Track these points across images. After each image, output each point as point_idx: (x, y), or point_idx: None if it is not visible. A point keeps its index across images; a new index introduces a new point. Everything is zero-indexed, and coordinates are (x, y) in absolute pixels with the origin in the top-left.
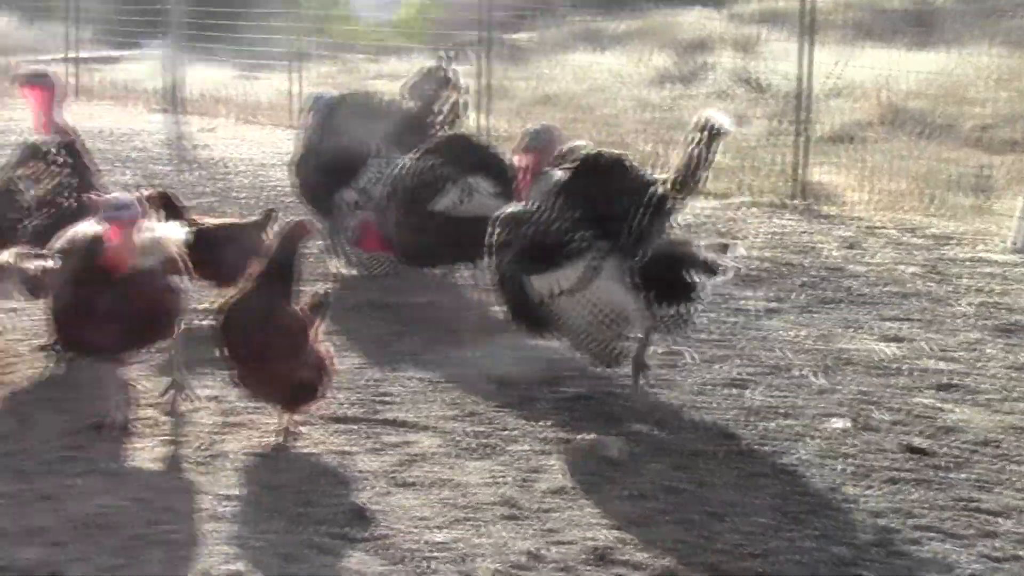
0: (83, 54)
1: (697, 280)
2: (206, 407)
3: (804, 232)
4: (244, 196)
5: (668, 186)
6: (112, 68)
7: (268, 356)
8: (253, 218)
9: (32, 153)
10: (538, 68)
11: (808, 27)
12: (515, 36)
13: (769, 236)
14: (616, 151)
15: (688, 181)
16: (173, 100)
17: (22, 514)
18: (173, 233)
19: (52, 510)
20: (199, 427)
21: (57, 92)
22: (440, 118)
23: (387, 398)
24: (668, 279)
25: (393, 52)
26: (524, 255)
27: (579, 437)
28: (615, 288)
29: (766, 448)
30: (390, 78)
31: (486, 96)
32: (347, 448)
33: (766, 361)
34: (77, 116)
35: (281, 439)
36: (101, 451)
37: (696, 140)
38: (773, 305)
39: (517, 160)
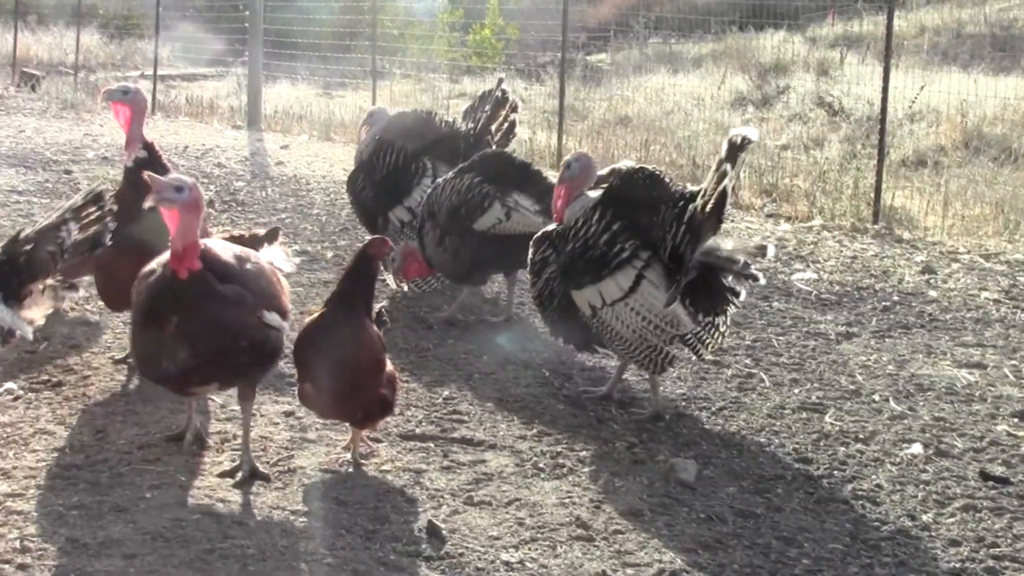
0: (165, 71)
1: (737, 287)
2: (279, 423)
3: (881, 256)
4: (317, 212)
5: (700, 201)
6: (193, 85)
7: (352, 375)
8: (257, 232)
9: (94, 199)
10: (614, 89)
11: (888, 51)
12: (592, 57)
13: (845, 260)
14: (652, 166)
15: (715, 196)
16: (252, 117)
17: (96, 526)
18: (280, 262)
19: (126, 522)
20: (272, 443)
21: (143, 109)
22: (495, 138)
23: (459, 416)
24: (709, 285)
25: (469, 72)
26: (569, 270)
27: (653, 459)
28: (661, 294)
29: (840, 473)
30: (467, 97)
31: (560, 116)
32: (419, 466)
33: (841, 386)
34: (159, 132)
35: (353, 455)
36: (175, 464)
37: (722, 166)
38: (848, 329)
39: (555, 189)
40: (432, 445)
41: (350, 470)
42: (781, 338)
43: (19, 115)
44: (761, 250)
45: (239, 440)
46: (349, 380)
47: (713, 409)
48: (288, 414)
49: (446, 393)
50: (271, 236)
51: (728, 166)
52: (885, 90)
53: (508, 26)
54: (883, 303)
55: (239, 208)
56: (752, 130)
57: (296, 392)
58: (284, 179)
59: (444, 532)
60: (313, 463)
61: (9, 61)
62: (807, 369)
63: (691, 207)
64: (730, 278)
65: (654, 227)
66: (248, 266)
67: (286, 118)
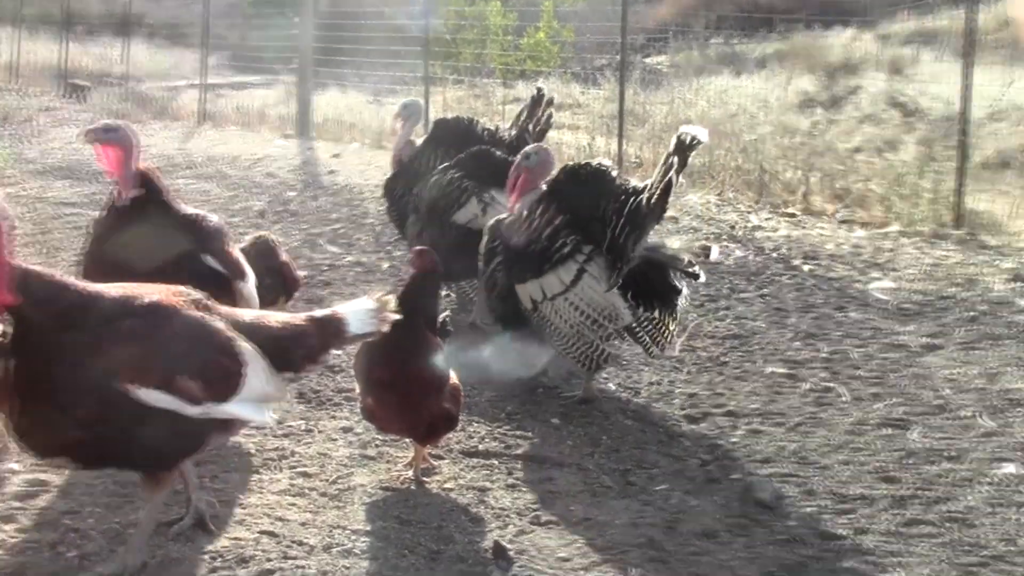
0: (213, 80)
1: (679, 284)
2: (338, 439)
3: (964, 263)
4: (372, 221)
5: (644, 194)
6: (242, 94)
7: (417, 389)
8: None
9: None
10: (675, 92)
11: (968, 47)
12: (651, 60)
13: (926, 267)
14: (599, 160)
15: (660, 190)
16: (302, 125)
17: (154, 544)
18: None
19: (184, 541)
20: (331, 460)
21: (132, 146)
22: (533, 137)
23: (524, 432)
24: (652, 282)
25: (523, 76)
26: (513, 263)
27: (728, 477)
28: (602, 288)
29: (929, 494)
30: (521, 102)
31: (620, 121)
32: (484, 484)
33: (926, 400)
34: (208, 142)
35: (416, 473)
36: (233, 483)
37: (669, 159)
38: (932, 341)
39: (510, 178)
40: (496, 462)
41: (412, 488)
42: (859, 350)
43: (68, 126)
44: (705, 251)
45: (297, 457)
46: (413, 394)
47: (789, 425)
48: (347, 430)
49: (509, 408)
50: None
51: (675, 160)
52: (967, 87)
53: (563, 29)
54: (969, 313)
55: (291, 218)
56: (701, 130)
57: (357, 407)
58: (336, 188)
59: (511, 553)
60: (374, 480)
61: (58, 72)
62: (888, 383)
63: (633, 201)
64: (676, 275)
65: (596, 220)
66: (133, 320)
67: (337, 126)
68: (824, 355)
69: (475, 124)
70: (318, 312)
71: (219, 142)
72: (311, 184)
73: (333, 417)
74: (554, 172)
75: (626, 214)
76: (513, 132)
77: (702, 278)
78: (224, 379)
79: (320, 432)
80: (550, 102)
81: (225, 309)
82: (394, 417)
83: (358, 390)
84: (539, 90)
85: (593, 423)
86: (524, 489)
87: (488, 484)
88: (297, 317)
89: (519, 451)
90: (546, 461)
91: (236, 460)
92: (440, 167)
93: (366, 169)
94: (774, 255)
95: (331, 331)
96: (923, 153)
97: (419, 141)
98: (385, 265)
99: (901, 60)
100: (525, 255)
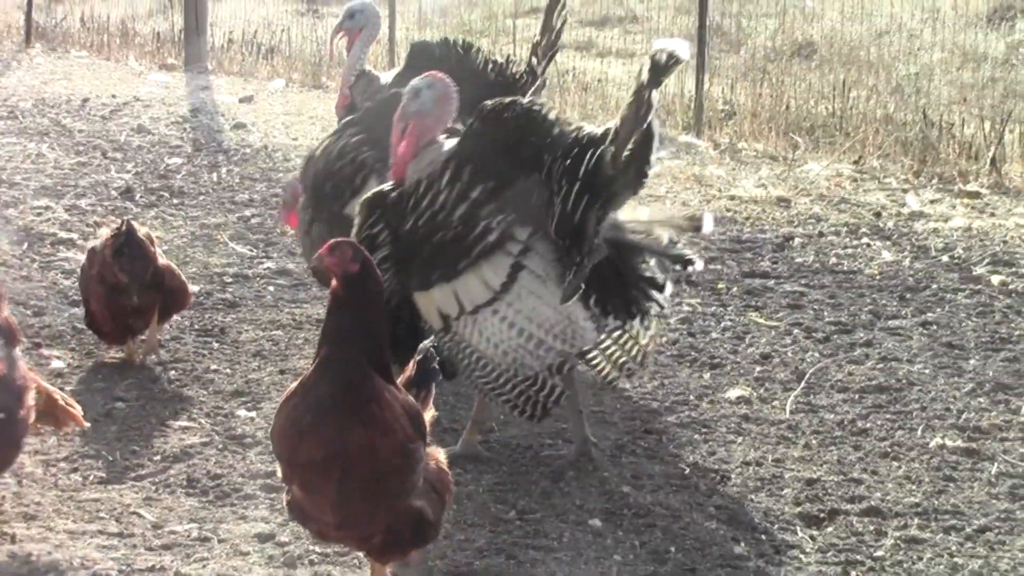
0: None
1: (659, 277)
2: (250, 552)
3: None
4: None
5: (608, 144)
6: None
7: (367, 473)
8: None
9: None
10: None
11: None
12: None
13: None
14: (529, 99)
15: (634, 137)
16: (192, 50)
17: None
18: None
19: None
20: None
21: None
22: (542, 63)
23: (547, 542)
24: (620, 273)
25: None
26: (407, 259)
27: None
28: (551, 292)
29: None
30: (540, 14)
31: (700, 45)
32: None
33: None
34: (40, 76)
35: None
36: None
37: (642, 92)
38: None
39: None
40: None
41: None
42: None
43: None
44: (694, 222)
45: None
46: (355, 484)
47: (969, 530)
48: (266, 538)
49: (521, 503)
50: None
51: (651, 93)
52: None
53: None
54: None
55: (176, 200)
56: (681, 43)
57: (280, 500)
58: (247, 152)
59: None
60: None
61: None
62: None
63: (591, 155)
64: (651, 263)
65: (536, 189)
66: None
67: (248, 52)
68: (1021, 418)
69: (472, 52)
70: None
71: (57, 76)
72: (207, 146)
73: (244, 517)
74: (459, 117)
75: (582, 176)
76: (527, 70)
77: (698, 265)
78: None
79: (223, 541)
80: (563, 4)
81: None
82: (333, 519)
83: (279, 473)
84: None
85: (655, 524)
86: None
87: None
88: None
89: (537, 571)
90: None
91: None
92: (341, 123)
93: (295, 122)
94: (944, 259)
95: None
96: None
97: (382, 74)
98: None
99: None
100: (428, 247)
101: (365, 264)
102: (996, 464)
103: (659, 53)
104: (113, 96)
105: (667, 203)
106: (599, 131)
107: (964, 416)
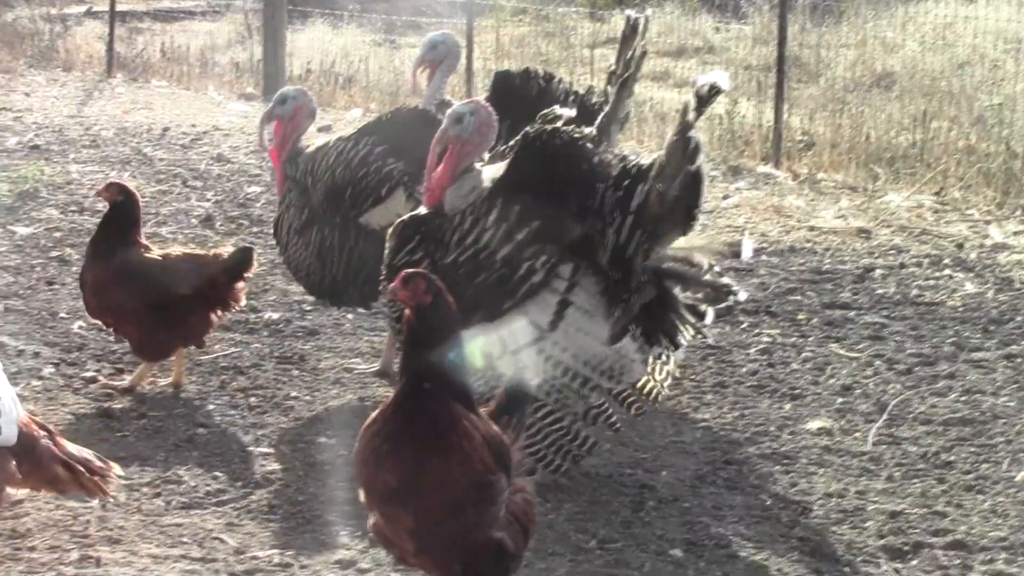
0: (128, 6)
1: (701, 306)
2: None
3: None
4: None
5: (655, 181)
6: (173, 28)
7: (443, 504)
8: (223, 250)
9: None
10: (868, 27)
11: None
12: None
13: None
14: (568, 128)
15: (681, 178)
16: (270, 80)
17: None
18: None
19: None
20: None
21: None
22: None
23: (626, 572)
24: (662, 302)
25: (622, 4)
26: (468, 293)
27: None
28: (599, 327)
29: None
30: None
31: (778, 76)
32: None
33: None
34: (121, 106)
35: None
36: None
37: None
38: None
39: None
40: None
41: None
42: None
43: None
44: (733, 247)
45: None
46: (431, 514)
47: None
48: (347, 564)
49: (602, 533)
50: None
51: (696, 133)
52: None
53: None
54: None
55: (255, 228)
56: (721, 75)
57: (362, 529)
58: None
59: None
60: None
61: None
62: None
63: (642, 188)
64: (688, 292)
65: (586, 220)
66: None
67: (325, 82)
68: None
69: (553, 82)
70: None
71: (138, 105)
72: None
73: (324, 544)
74: (499, 143)
75: (634, 209)
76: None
77: (741, 296)
78: None
79: (304, 567)
80: (636, 30)
81: None
82: (411, 546)
83: (361, 499)
84: (630, 19)
85: (737, 555)
86: None
87: None
88: None
89: None
90: None
91: None
92: (356, 130)
93: None
94: None
95: None
96: None
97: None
98: None
99: None
100: (471, 289)
101: (438, 295)
102: None
103: (701, 87)
104: (193, 125)
105: (745, 232)
106: (646, 162)
107: None
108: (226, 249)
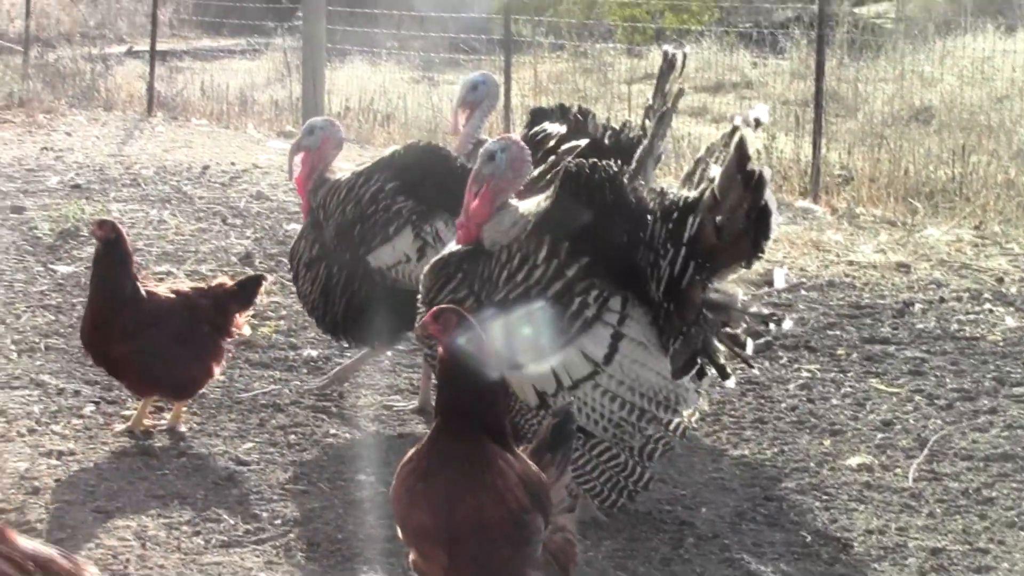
0: (168, 45)
1: (743, 337)
2: None
3: None
4: None
5: (708, 212)
6: (213, 66)
7: (468, 540)
8: (226, 283)
9: None
10: (906, 62)
11: None
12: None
13: None
14: (614, 163)
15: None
16: (311, 117)
17: None
18: None
19: None
20: None
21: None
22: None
23: None
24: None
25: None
26: (517, 331)
27: None
28: (654, 357)
29: None
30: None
31: (816, 110)
32: None
33: None
34: (161, 144)
35: None
36: None
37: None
38: None
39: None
40: None
41: None
42: None
43: None
44: (765, 276)
45: None
46: (465, 553)
47: None
48: None
49: (641, 570)
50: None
51: (755, 164)
52: None
53: None
54: None
55: None
56: (761, 108)
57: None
58: None
59: None
60: None
61: None
62: None
63: (693, 220)
64: (730, 324)
65: (636, 253)
66: None
67: (364, 119)
68: None
69: (589, 117)
70: None
71: (178, 144)
72: None
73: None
74: (546, 177)
75: (687, 241)
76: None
77: (786, 324)
78: None
79: None
80: (673, 65)
81: None
82: None
83: (400, 537)
84: (668, 54)
85: None
86: None
87: None
88: None
89: None
90: None
91: None
92: (369, 165)
93: None
94: None
95: None
96: None
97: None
98: None
99: None
100: (523, 322)
101: (470, 330)
102: None
103: (745, 119)
104: (232, 163)
105: (784, 268)
106: (694, 194)
107: None
108: (224, 280)
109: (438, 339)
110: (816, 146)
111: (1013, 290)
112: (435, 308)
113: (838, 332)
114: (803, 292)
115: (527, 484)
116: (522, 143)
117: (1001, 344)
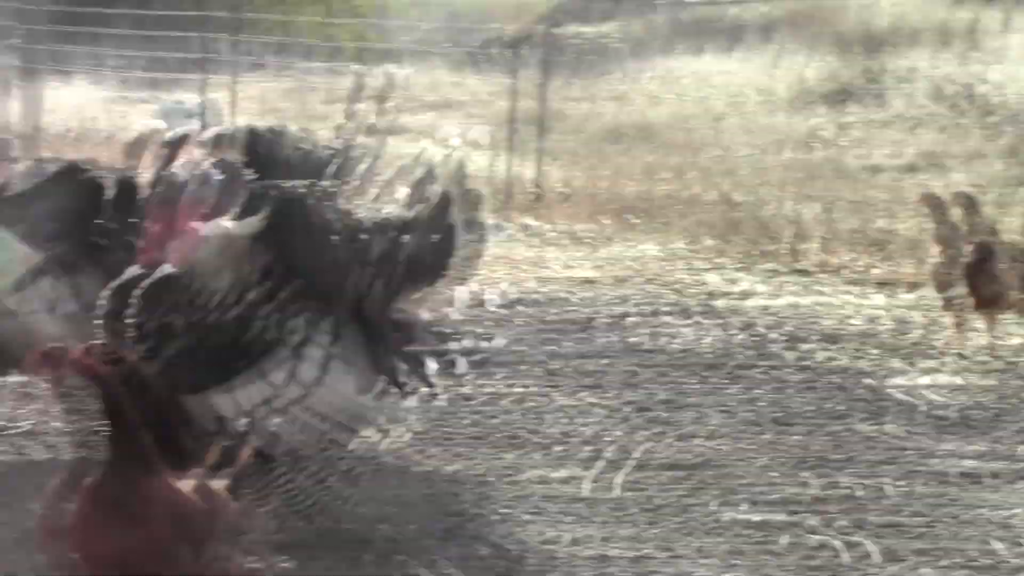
0: None
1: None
2: None
3: None
4: None
5: (410, 231)
6: None
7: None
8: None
9: None
10: (613, 82)
11: None
12: (583, 30)
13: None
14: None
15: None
16: (29, 141)
17: None
18: None
19: None
20: None
21: None
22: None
23: None
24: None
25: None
26: (210, 358)
27: None
28: (340, 378)
29: None
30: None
31: (539, 128)
32: None
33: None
34: None
35: None
36: None
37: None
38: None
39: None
40: None
41: None
42: (899, 485)
43: None
44: (476, 296)
45: None
46: None
47: None
48: None
49: None
50: None
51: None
52: None
53: None
54: None
55: None
56: (481, 128)
57: None
58: None
59: None
60: None
61: None
62: (939, 535)
63: (380, 239)
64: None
65: (323, 274)
66: None
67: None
68: (844, 490)
69: (282, 137)
70: None
71: None
72: None
73: None
74: (247, 203)
75: (375, 260)
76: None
77: (498, 342)
78: None
79: None
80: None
81: None
82: None
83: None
84: (358, 75)
85: None
86: None
87: None
88: None
89: None
90: None
91: None
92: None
93: None
94: (772, 336)
95: None
96: (1008, 171)
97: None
98: None
99: (963, 29)
100: (206, 346)
101: (119, 363)
102: (785, 536)
103: (448, 139)
104: None
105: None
106: (385, 215)
107: (755, 490)
108: None
109: (89, 373)
110: (537, 165)
111: (720, 304)
112: (87, 344)
113: (553, 347)
114: (520, 308)
115: (175, 515)
116: (209, 167)
117: (709, 355)
